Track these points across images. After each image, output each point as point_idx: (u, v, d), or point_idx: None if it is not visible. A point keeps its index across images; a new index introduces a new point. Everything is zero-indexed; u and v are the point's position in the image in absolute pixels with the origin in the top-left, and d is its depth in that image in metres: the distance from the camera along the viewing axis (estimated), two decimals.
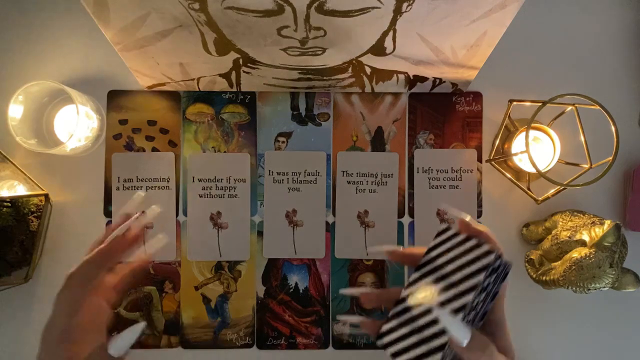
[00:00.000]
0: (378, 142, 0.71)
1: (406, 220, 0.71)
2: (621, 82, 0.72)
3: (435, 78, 0.67)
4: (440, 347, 0.35)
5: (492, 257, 0.36)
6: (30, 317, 0.69)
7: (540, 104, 0.60)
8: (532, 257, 0.66)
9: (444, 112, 0.72)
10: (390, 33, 0.54)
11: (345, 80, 0.67)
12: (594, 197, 0.70)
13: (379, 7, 0.48)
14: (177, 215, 0.70)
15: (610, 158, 0.59)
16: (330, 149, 0.71)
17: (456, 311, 0.35)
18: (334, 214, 0.71)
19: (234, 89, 0.71)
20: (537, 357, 0.70)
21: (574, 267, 0.58)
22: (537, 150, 0.68)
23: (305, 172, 0.71)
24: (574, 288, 0.59)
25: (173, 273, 0.70)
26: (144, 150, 0.71)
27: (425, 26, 0.53)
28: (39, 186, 0.68)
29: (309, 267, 0.70)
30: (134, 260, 0.47)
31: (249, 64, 0.62)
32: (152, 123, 0.71)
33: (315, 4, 0.47)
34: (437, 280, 0.37)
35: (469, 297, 0.35)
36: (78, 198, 0.70)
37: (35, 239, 0.66)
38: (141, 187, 0.70)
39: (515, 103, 0.65)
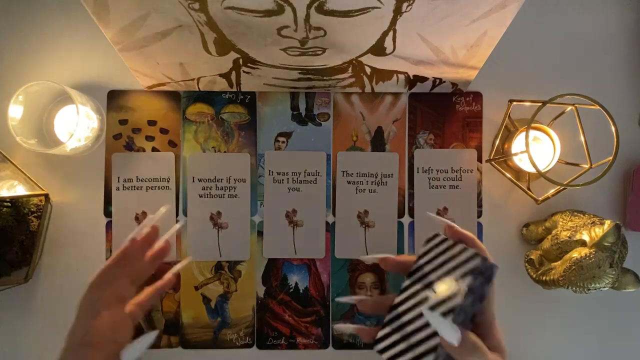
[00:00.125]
0: (378, 142, 0.71)
1: (406, 220, 0.71)
2: (621, 82, 0.72)
3: (435, 78, 0.67)
4: (433, 349, 0.36)
5: (478, 260, 0.38)
6: (30, 317, 0.69)
7: (540, 104, 0.60)
8: (532, 257, 0.66)
9: (444, 112, 0.72)
10: (390, 33, 0.54)
11: (345, 80, 0.67)
12: (594, 197, 0.70)
13: (379, 7, 0.48)
14: (177, 215, 0.70)
15: (610, 158, 0.60)
16: (330, 149, 0.71)
17: (446, 314, 0.37)
18: (334, 214, 0.71)
19: (234, 89, 0.71)
20: (537, 357, 0.70)
21: (574, 267, 0.58)
22: (537, 150, 0.68)
23: (305, 172, 0.71)
24: (574, 288, 0.59)
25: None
26: (144, 150, 0.71)
27: (425, 26, 0.53)
28: (39, 186, 0.68)
29: (309, 267, 0.70)
30: (159, 281, 0.49)
31: (249, 64, 0.62)
32: (152, 123, 0.71)
33: (315, 4, 0.47)
34: (428, 286, 0.39)
35: (457, 300, 0.37)
36: (78, 198, 0.70)
37: (35, 239, 0.66)
38: (141, 187, 0.70)
39: (515, 103, 0.65)
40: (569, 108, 0.63)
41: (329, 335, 0.70)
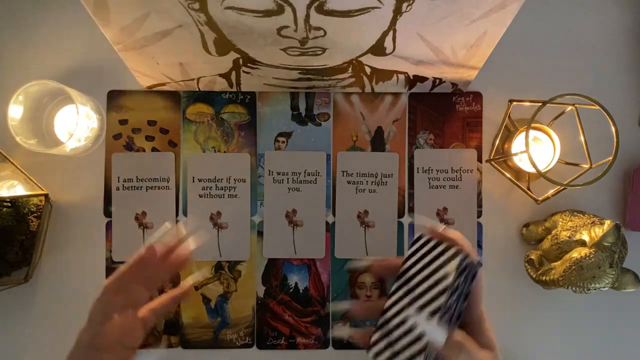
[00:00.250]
0: (378, 142, 0.71)
1: (406, 220, 0.71)
2: (621, 82, 0.72)
3: (435, 78, 0.67)
4: (422, 350, 0.37)
5: (459, 258, 0.39)
6: (30, 317, 0.69)
7: (540, 104, 0.60)
8: (532, 257, 0.66)
9: (444, 112, 0.72)
10: (390, 33, 0.54)
11: (345, 80, 0.67)
12: (594, 197, 0.70)
13: (379, 7, 0.48)
14: (177, 215, 0.70)
15: (610, 158, 0.59)
16: (330, 149, 0.71)
17: (431, 314, 0.37)
18: (334, 214, 0.71)
19: (234, 89, 0.71)
20: (537, 357, 0.70)
21: (574, 267, 0.58)
22: (537, 150, 0.68)
23: (305, 172, 0.71)
24: (574, 288, 0.59)
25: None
26: (144, 150, 0.71)
27: (425, 26, 0.53)
28: (39, 186, 0.68)
29: (309, 267, 0.70)
30: (176, 289, 0.49)
31: (249, 64, 0.62)
32: (152, 123, 0.71)
33: (315, 4, 0.47)
34: (414, 288, 0.40)
35: (441, 300, 0.37)
36: (78, 198, 0.70)
37: (35, 239, 0.66)
38: (141, 187, 0.70)
39: (515, 103, 0.65)
40: (569, 108, 0.63)
41: (329, 335, 0.70)
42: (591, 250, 0.57)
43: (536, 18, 0.72)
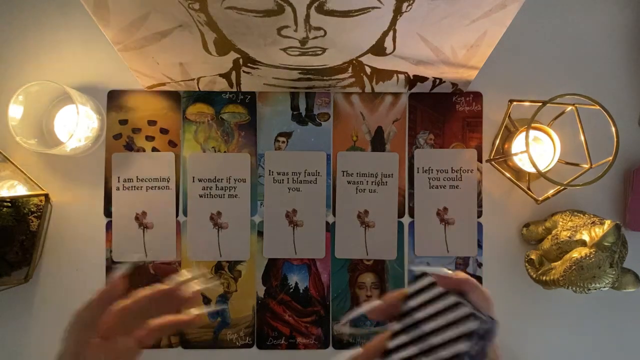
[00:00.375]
0: (378, 142, 0.71)
1: (406, 220, 0.71)
2: (621, 82, 0.72)
3: (435, 78, 0.67)
4: None
5: (475, 322, 0.33)
6: (30, 317, 0.69)
7: (540, 104, 0.60)
8: (532, 257, 0.66)
9: (444, 112, 0.72)
10: (390, 33, 0.54)
11: (345, 80, 0.67)
12: (594, 197, 0.70)
13: (379, 7, 0.48)
14: (177, 215, 0.70)
15: (610, 158, 0.59)
16: (330, 149, 0.71)
17: None
18: (334, 214, 0.71)
19: (234, 89, 0.71)
20: (537, 357, 0.70)
21: (574, 267, 0.58)
22: (537, 150, 0.68)
23: (305, 172, 0.71)
24: (574, 288, 0.59)
25: (173, 273, 0.70)
26: (144, 150, 0.71)
27: (425, 26, 0.53)
28: (39, 186, 0.68)
29: (309, 267, 0.70)
30: (183, 315, 0.46)
31: (249, 64, 0.62)
32: (152, 123, 0.71)
33: (315, 4, 0.47)
34: (418, 340, 0.36)
35: None
36: (78, 198, 0.70)
37: (35, 239, 0.66)
38: (141, 187, 0.70)
39: (515, 103, 0.65)
40: (569, 108, 0.63)
41: (329, 335, 0.70)
42: (591, 250, 0.57)
43: (536, 18, 0.72)
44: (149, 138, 0.71)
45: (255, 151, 0.71)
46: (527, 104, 0.65)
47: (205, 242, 0.70)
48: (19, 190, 0.67)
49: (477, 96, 0.72)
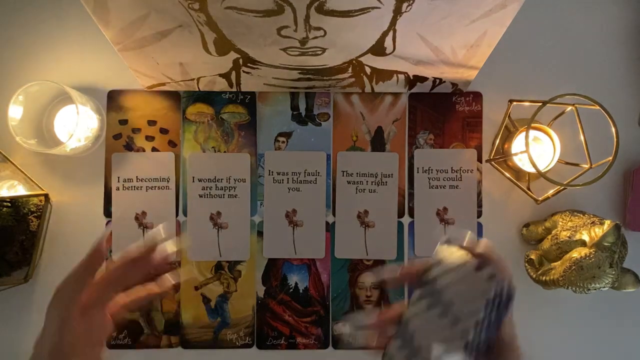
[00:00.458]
0: (378, 142, 0.71)
1: (406, 220, 0.71)
2: (621, 82, 0.72)
3: (435, 78, 0.67)
4: None
5: (492, 288, 0.35)
6: (30, 317, 0.69)
7: (540, 104, 0.60)
8: (532, 257, 0.66)
9: (444, 112, 0.72)
10: (390, 33, 0.54)
11: (345, 80, 0.67)
12: (594, 197, 0.70)
13: (379, 7, 0.48)
14: (177, 215, 0.70)
15: (610, 158, 0.59)
16: (330, 149, 0.71)
17: (456, 349, 0.34)
18: (334, 214, 0.71)
19: (234, 89, 0.71)
20: (537, 357, 0.70)
21: (574, 267, 0.58)
22: (537, 150, 0.68)
23: (305, 172, 0.71)
24: (574, 288, 0.59)
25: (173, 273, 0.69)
26: (144, 150, 0.71)
27: (425, 26, 0.53)
28: (39, 186, 0.68)
29: (309, 267, 0.70)
30: (155, 286, 0.46)
31: (249, 64, 0.62)
32: (152, 123, 0.71)
33: (315, 4, 0.47)
34: (436, 305, 0.37)
35: (469, 334, 0.34)
36: (78, 198, 0.70)
37: (35, 239, 0.66)
38: (141, 187, 0.70)
39: (515, 103, 0.65)
40: (569, 108, 0.63)
41: (329, 335, 0.70)
42: (591, 250, 0.57)
43: (536, 18, 0.72)
44: (149, 138, 0.71)
45: (255, 151, 0.71)
46: (527, 104, 0.65)
47: (205, 242, 0.70)
48: (19, 190, 0.67)
49: (477, 96, 0.72)
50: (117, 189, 0.70)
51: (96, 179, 0.70)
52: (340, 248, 0.70)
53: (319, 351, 0.70)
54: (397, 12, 0.49)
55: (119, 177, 0.70)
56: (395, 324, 0.39)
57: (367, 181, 0.71)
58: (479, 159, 0.71)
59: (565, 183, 0.61)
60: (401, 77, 0.66)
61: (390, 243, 0.70)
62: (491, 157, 0.68)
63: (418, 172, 0.71)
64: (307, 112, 0.71)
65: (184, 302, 0.69)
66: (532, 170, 0.62)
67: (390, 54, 0.59)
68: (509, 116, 0.66)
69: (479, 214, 0.71)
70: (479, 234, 0.70)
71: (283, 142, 0.71)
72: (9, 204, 0.65)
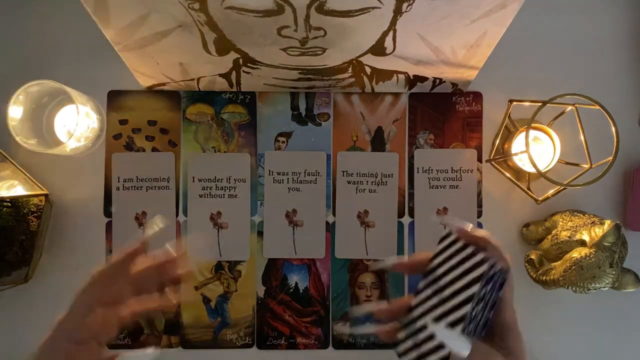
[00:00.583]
0: (378, 142, 0.71)
1: (406, 220, 0.71)
2: (621, 82, 0.72)
3: (435, 78, 0.67)
4: (446, 358, 0.36)
5: (485, 266, 0.36)
6: (30, 317, 0.69)
7: (540, 104, 0.60)
8: (532, 257, 0.66)
9: (444, 112, 0.72)
10: (390, 33, 0.54)
11: (345, 80, 0.67)
12: (594, 197, 0.70)
13: (379, 7, 0.48)
14: (177, 215, 0.70)
15: (610, 158, 0.59)
16: (330, 149, 0.71)
17: (454, 324, 0.36)
18: (334, 214, 0.71)
19: (234, 89, 0.71)
20: (537, 357, 0.70)
21: (574, 267, 0.58)
22: (537, 150, 0.68)
23: (305, 172, 0.71)
24: (574, 288, 0.59)
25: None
26: (144, 150, 0.71)
27: (425, 26, 0.53)
28: (39, 186, 0.68)
29: (309, 267, 0.70)
30: (165, 300, 0.47)
31: (249, 64, 0.62)
32: (152, 123, 0.71)
33: (315, 4, 0.47)
34: (437, 291, 0.38)
35: (466, 309, 0.36)
36: (78, 198, 0.70)
37: (35, 239, 0.66)
38: (141, 187, 0.70)
39: (515, 103, 0.65)
40: (569, 108, 0.63)
41: (329, 335, 0.70)
42: (591, 250, 0.57)
43: (536, 18, 0.72)
44: (149, 138, 0.71)
45: (255, 151, 0.71)
46: (527, 104, 0.65)
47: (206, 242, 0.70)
48: (19, 190, 0.67)
49: (477, 96, 0.72)
50: (117, 188, 0.70)
51: (96, 179, 0.70)
52: (341, 248, 0.70)
53: (319, 351, 0.70)
54: (397, 12, 0.49)
55: (119, 177, 0.70)
56: (404, 313, 0.40)
57: (367, 181, 0.71)
58: (479, 159, 0.71)
59: (565, 183, 0.61)
60: (401, 77, 0.66)
61: (390, 243, 0.70)
62: (491, 157, 0.68)
63: (418, 172, 0.71)
64: (307, 112, 0.71)
65: (184, 302, 0.69)
66: (532, 170, 0.62)
67: (390, 53, 0.59)
68: (509, 116, 0.66)
69: (479, 214, 0.71)
70: None
71: (283, 142, 0.71)
72: (9, 204, 0.65)
